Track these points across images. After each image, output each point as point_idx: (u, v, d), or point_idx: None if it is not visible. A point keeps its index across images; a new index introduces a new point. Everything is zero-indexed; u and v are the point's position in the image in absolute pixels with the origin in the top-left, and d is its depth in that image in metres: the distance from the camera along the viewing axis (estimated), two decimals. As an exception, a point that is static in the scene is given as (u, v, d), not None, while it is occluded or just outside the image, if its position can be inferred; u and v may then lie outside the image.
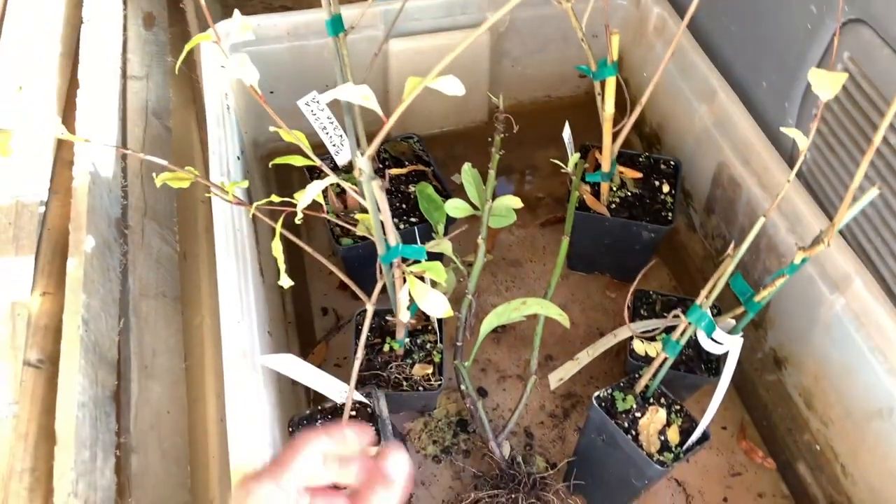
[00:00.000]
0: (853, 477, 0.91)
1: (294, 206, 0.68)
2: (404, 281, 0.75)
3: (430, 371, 0.91)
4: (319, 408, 0.87)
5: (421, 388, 0.90)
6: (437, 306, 0.72)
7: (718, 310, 1.00)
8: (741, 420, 1.07)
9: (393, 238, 0.70)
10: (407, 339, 0.94)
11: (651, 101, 1.27)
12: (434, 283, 0.77)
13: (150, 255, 0.95)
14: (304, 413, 0.87)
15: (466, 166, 1.05)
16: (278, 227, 0.71)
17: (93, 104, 0.98)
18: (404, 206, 1.08)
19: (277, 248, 0.73)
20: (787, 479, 1.03)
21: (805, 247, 0.74)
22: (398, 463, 0.45)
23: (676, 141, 1.22)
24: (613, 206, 1.10)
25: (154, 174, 0.64)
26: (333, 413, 0.86)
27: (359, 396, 0.85)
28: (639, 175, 1.11)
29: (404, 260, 0.74)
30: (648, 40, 1.27)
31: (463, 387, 0.96)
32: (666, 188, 1.11)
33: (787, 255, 0.96)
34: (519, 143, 1.38)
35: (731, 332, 0.90)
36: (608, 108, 0.96)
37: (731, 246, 0.83)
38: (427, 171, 1.12)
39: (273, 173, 1.34)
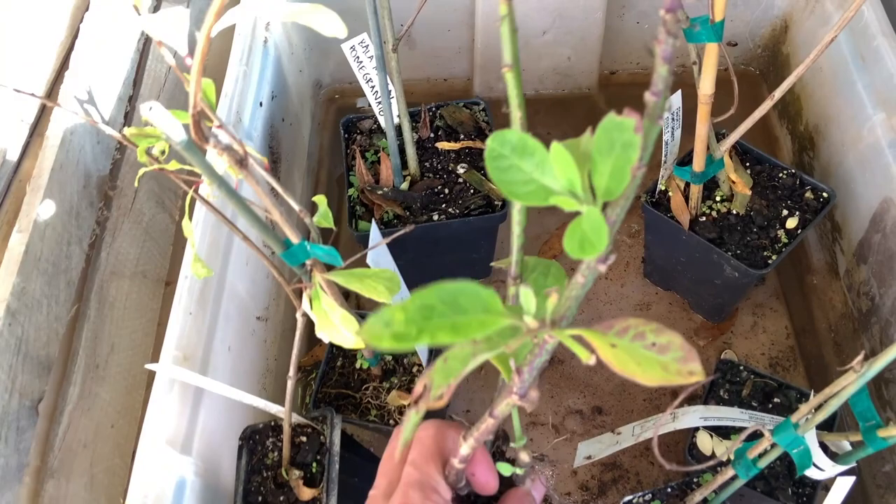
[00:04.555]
0: None
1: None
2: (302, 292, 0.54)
3: (406, 402, 0.73)
4: (272, 423, 0.72)
5: (392, 423, 0.72)
6: (345, 336, 0.51)
7: (833, 415, 0.72)
8: (839, 552, 0.80)
9: (294, 233, 0.50)
10: (389, 357, 0.75)
11: (812, 93, 0.95)
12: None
13: (138, 223, 0.81)
14: (257, 425, 0.73)
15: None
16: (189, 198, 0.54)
17: (103, 27, 0.84)
18: (446, 191, 0.87)
19: (188, 228, 0.56)
20: None
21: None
22: (541, 489, 0.41)
23: (834, 154, 0.90)
24: (704, 218, 0.83)
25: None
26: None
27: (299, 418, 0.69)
28: (748, 191, 0.82)
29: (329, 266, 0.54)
30: (824, 9, 0.93)
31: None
32: (792, 222, 0.81)
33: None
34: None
35: (841, 458, 0.64)
36: (703, 87, 0.68)
37: (860, 358, 0.56)
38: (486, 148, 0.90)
39: (333, 115, 1.17)
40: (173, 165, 0.57)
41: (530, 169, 0.26)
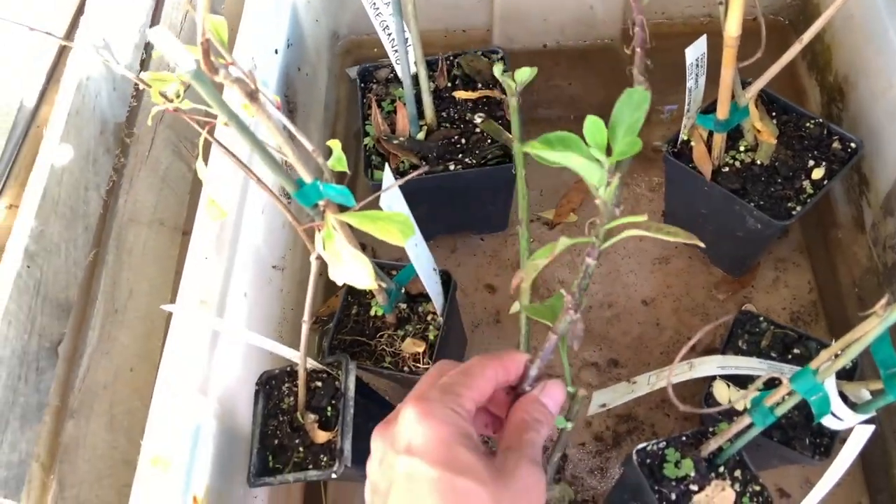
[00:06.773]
0: None
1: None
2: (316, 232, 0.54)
3: (420, 350, 0.73)
4: (288, 368, 0.73)
5: (406, 370, 0.72)
6: (357, 275, 0.51)
7: (854, 366, 0.71)
8: (856, 505, 0.80)
9: (308, 172, 0.50)
10: (403, 305, 0.75)
11: (842, 42, 0.92)
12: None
13: (155, 171, 0.81)
14: (273, 370, 0.73)
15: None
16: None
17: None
18: (463, 140, 0.86)
19: (202, 170, 0.56)
20: None
21: None
22: (554, 395, 0.43)
23: (863, 105, 0.87)
24: (727, 169, 0.81)
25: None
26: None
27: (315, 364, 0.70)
28: (773, 140, 0.80)
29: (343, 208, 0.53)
30: (859, -49, 0.90)
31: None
32: (818, 173, 0.79)
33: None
34: (662, 72, 1.07)
35: (861, 408, 0.63)
36: (729, 28, 0.66)
37: (883, 301, 0.54)
38: (504, 99, 0.88)
39: (343, 66, 1.15)
40: (187, 105, 0.56)
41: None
